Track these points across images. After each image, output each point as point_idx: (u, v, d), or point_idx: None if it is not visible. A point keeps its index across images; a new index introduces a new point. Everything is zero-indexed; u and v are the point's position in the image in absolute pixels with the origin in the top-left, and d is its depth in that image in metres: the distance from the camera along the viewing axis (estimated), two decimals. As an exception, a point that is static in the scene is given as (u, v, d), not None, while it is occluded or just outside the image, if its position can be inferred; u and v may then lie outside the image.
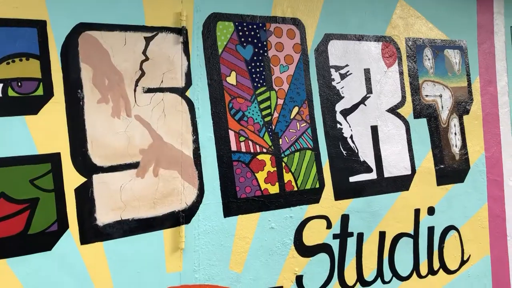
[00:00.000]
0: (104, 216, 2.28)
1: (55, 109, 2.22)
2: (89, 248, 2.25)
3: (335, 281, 2.76)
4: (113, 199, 2.30)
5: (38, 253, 2.17)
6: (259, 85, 2.64)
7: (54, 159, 2.20)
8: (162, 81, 2.43)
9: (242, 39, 2.63)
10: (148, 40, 2.41)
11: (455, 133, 3.15)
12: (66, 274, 2.21)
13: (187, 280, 2.44)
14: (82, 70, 2.28)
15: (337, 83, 2.84)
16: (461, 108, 3.19)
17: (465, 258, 3.12)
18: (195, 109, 2.50)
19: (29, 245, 2.15)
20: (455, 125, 3.16)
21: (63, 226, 2.21)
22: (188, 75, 2.50)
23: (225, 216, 2.54)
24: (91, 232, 2.26)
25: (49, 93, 2.21)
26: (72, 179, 2.23)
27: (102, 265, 2.28)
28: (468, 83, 3.24)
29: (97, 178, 2.28)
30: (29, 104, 2.17)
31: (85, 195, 2.25)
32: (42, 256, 2.17)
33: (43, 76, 2.21)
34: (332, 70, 2.84)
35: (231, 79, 2.59)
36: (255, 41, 2.66)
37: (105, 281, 2.28)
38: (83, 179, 2.25)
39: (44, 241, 2.18)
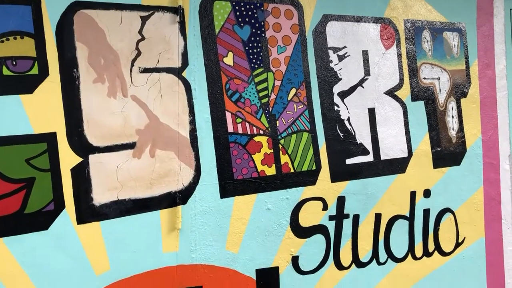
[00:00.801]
0: (100, 196, 2.28)
1: (51, 88, 2.20)
2: (85, 228, 2.26)
3: (330, 262, 2.78)
4: (110, 179, 2.30)
5: (35, 233, 2.18)
6: (256, 66, 2.62)
7: (50, 138, 2.20)
8: (158, 61, 2.41)
9: (240, 19, 2.60)
10: (144, 19, 2.39)
11: (452, 116, 3.15)
12: (63, 253, 2.22)
13: (184, 260, 2.45)
14: (77, 49, 2.26)
15: (335, 64, 2.83)
16: (458, 91, 3.18)
17: (460, 241, 3.14)
18: (191, 90, 2.49)
19: (25, 225, 2.16)
20: (452, 108, 3.15)
21: (60, 205, 2.21)
22: (184, 55, 2.48)
23: (221, 197, 2.54)
24: (88, 212, 2.26)
25: (44, 72, 2.20)
26: (68, 159, 2.23)
27: (99, 245, 2.29)
28: (466, 66, 3.22)
29: (93, 158, 2.27)
30: (24, 83, 2.16)
31: (81, 175, 2.25)
32: (39, 236, 2.18)
33: (38, 54, 2.19)
34: (330, 52, 2.82)
35: (228, 59, 2.57)
36: (253, 21, 2.63)
37: (102, 261, 2.29)
38: (79, 159, 2.25)
39: (41, 221, 2.19)
